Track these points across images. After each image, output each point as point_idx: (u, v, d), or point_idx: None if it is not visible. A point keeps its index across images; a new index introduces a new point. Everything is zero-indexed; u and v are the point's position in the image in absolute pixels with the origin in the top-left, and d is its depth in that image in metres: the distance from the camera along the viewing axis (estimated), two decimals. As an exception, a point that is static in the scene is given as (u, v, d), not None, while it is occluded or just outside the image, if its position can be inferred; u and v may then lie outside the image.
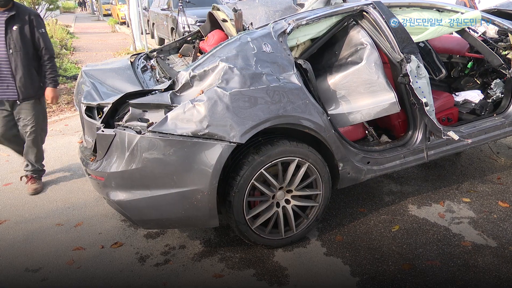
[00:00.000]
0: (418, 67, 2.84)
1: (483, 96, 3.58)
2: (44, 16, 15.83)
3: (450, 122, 3.40)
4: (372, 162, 2.90)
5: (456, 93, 3.71)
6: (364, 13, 2.99)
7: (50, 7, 16.36)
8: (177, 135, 2.22)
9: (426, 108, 2.82)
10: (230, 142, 2.27)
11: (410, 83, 2.76)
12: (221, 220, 2.56)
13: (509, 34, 3.33)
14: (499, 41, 3.56)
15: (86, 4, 41.65)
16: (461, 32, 3.30)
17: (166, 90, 2.45)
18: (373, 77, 2.83)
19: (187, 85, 2.41)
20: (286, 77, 2.52)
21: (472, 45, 3.51)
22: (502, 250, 2.59)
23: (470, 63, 3.71)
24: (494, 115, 3.41)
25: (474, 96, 3.56)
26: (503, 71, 3.32)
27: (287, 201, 2.64)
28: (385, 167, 2.94)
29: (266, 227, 2.61)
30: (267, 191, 2.52)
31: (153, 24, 13.29)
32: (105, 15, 28.54)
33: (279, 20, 2.87)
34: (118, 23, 21.16)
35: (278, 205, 2.62)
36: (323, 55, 3.20)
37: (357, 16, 3.02)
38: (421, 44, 3.68)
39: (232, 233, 2.82)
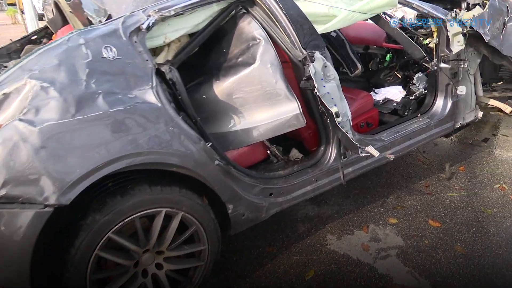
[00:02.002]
0: (325, 67, 2.21)
1: (405, 93, 3.08)
2: None
3: (370, 127, 2.85)
4: (275, 193, 2.24)
5: (376, 90, 3.18)
6: (255, -2, 2.30)
7: None
8: (-48, 202, 1.39)
9: (337, 120, 2.21)
10: (45, 206, 1.48)
11: (315, 89, 2.12)
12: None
13: (430, 19, 2.82)
14: (419, 28, 3.06)
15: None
16: (376, 18, 2.73)
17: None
18: (270, 82, 2.18)
19: (-22, 118, 1.57)
20: (139, 94, 1.76)
21: (389, 34, 2.97)
22: (437, 294, 2.08)
23: (388, 55, 3.18)
24: (419, 115, 2.92)
25: (395, 93, 3.04)
26: (426, 65, 2.81)
27: (159, 266, 1.91)
28: (293, 197, 2.31)
29: (130, 306, 1.86)
30: (123, 261, 1.77)
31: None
32: (9, 4, 25.49)
33: (136, 11, 2.08)
34: (22, 12, 18.81)
35: (145, 273, 1.88)
36: (209, 54, 2.48)
37: (246, 2, 2.32)
38: (333, 34, 3.08)
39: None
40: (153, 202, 1.75)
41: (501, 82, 3.83)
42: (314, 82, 2.11)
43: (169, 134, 1.75)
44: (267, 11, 2.27)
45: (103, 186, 1.75)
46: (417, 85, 3.03)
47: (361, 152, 2.28)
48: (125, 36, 1.87)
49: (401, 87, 3.09)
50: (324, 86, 2.20)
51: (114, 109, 1.64)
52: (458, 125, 3.04)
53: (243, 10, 2.34)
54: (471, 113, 3.11)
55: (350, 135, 2.27)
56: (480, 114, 3.17)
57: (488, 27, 2.86)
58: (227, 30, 2.39)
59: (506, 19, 3.03)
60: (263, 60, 2.19)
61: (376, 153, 2.28)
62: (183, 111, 1.95)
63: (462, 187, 3.06)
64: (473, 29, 2.80)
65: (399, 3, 2.64)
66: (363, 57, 3.42)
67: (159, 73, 1.92)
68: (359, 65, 2.84)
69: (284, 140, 2.70)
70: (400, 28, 2.93)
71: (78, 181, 1.52)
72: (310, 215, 2.79)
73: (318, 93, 2.12)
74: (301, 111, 2.18)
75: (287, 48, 2.25)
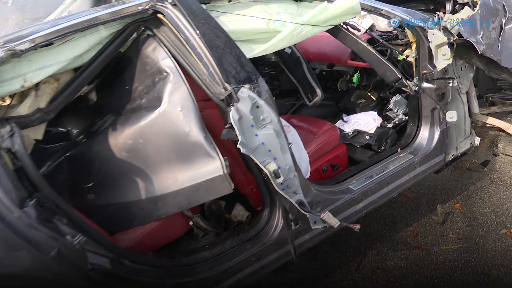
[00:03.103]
0: (257, 107, 1.58)
1: (381, 121, 2.43)
2: None
3: (337, 170, 2.21)
4: (197, 288, 1.61)
5: (345, 118, 2.54)
6: (160, 16, 1.68)
7: None
8: None
9: (277, 181, 1.57)
10: None
11: (239, 144, 1.48)
12: None
13: (406, 28, 2.18)
14: (394, 38, 2.42)
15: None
16: (335, 31, 2.09)
17: None
18: (182, 131, 1.59)
19: None
20: None
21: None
22: None
23: (356, 76, 2.53)
24: (399, 150, 2.28)
25: (368, 122, 2.40)
26: (404, 88, 2.17)
27: None
28: (223, 288, 1.67)
29: None
30: None
31: None
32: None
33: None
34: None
35: None
36: (110, 93, 1.86)
37: (150, 22, 1.71)
38: (287, 50, 2.46)
39: None
40: None
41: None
42: (237, 133, 1.47)
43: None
44: (176, 31, 1.65)
45: None
46: (395, 111, 2.39)
47: (315, 223, 1.65)
48: None
49: (375, 113, 2.45)
50: (256, 135, 1.57)
51: None
52: (450, 157, 2.41)
53: (148, 32, 1.73)
54: (465, 140, 2.48)
55: (297, 199, 1.64)
56: (478, 140, 2.54)
57: (481, 33, 2.23)
58: (131, 59, 1.78)
59: (504, 20, 2.40)
60: (171, 101, 1.60)
61: (335, 223, 1.64)
62: (39, 192, 1.32)
63: (459, 235, 2.43)
64: (462, 37, 2.17)
65: (363, 9, 2.02)
66: (331, 75, 2.79)
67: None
68: (318, 91, 2.22)
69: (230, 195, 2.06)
70: (368, 40, 2.30)
71: None
72: (263, 289, 2.16)
73: (243, 149, 1.48)
74: (227, 171, 1.56)
75: (204, 83, 1.62)
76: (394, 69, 2.07)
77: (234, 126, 1.48)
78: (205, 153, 1.57)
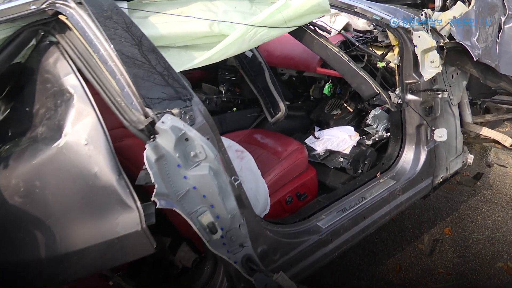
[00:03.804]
0: (186, 140, 1.19)
1: (358, 138, 2.05)
2: None
3: (304, 200, 1.84)
4: None
5: (316, 134, 2.16)
6: (63, 17, 1.28)
7: None
8: None
9: (213, 237, 1.20)
10: None
11: (154, 196, 1.10)
12: None
13: (386, 29, 1.80)
14: (373, 40, 2.03)
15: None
16: (298, 34, 1.70)
17: None
18: (88, 173, 1.22)
19: None
20: None
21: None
22: None
23: (327, 86, 2.14)
24: (378, 174, 1.91)
25: (343, 140, 2.02)
26: (384, 105, 1.80)
27: None
28: None
29: None
30: None
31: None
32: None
33: None
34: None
35: None
36: (12, 114, 1.48)
37: (52, 25, 1.32)
38: (248, 54, 2.07)
39: None
40: None
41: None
42: (152, 179, 1.09)
43: None
44: (83, 40, 1.25)
45: None
46: (374, 126, 2.02)
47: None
48: None
49: (352, 128, 2.07)
50: (185, 178, 1.19)
51: None
52: (439, 180, 2.06)
53: (51, 39, 1.33)
54: (457, 159, 2.13)
55: (244, 253, 1.27)
56: (471, 158, 2.20)
57: (477, 34, 1.86)
58: (32, 72, 1.39)
59: (503, 18, 2.03)
60: (74, 132, 1.23)
61: (289, 285, 1.27)
62: None
63: (449, 269, 2.09)
64: (454, 39, 1.80)
65: (333, 7, 1.63)
66: (302, 80, 2.40)
67: None
68: (281, 106, 1.84)
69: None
70: (342, 42, 1.92)
71: None
72: None
73: (161, 203, 1.10)
74: (146, 225, 1.18)
75: (117, 108, 1.22)
76: (371, 82, 1.69)
77: (149, 171, 1.09)
78: (119, 201, 1.19)
